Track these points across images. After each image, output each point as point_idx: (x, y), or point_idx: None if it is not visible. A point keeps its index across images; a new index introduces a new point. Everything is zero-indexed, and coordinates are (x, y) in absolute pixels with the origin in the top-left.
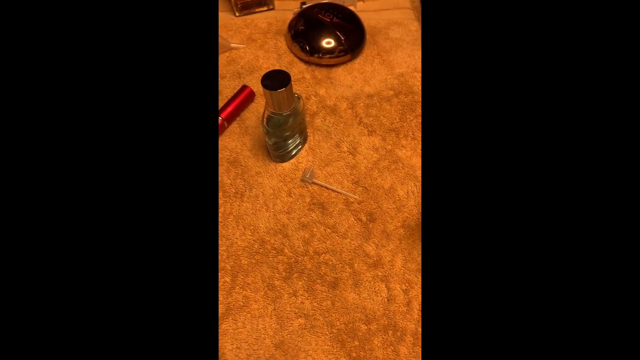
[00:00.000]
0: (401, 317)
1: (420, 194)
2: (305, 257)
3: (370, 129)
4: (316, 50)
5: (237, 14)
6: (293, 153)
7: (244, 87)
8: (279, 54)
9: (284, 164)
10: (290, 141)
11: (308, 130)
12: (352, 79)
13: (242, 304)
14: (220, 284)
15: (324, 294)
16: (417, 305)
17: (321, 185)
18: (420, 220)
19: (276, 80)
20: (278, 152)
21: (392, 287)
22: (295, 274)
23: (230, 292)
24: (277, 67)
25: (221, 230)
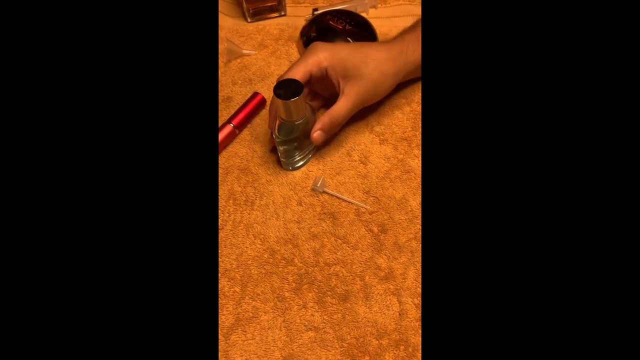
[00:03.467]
0: (413, 332)
1: None
2: (316, 268)
3: (381, 137)
4: None
5: (249, 20)
6: (302, 163)
7: (255, 94)
8: (290, 61)
9: (295, 173)
10: (298, 152)
11: None
12: None
13: (251, 314)
14: (229, 293)
15: (335, 306)
16: None
17: (332, 195)
18: None
19: (288, 89)
20: (288, 160)
21: (404, 301)
22: (306, 286)
23: (239, 303)
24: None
25: (231, 239)
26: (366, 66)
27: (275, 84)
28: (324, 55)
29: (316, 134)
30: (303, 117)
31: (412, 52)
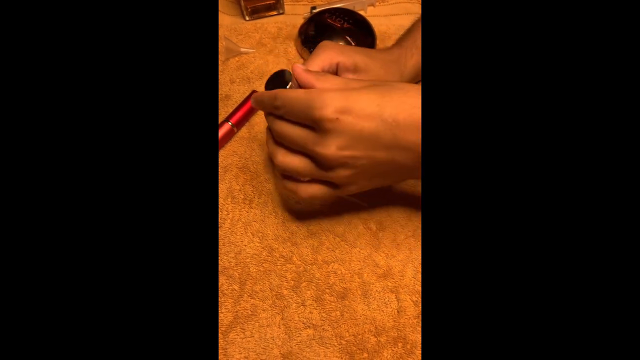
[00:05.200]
0: (411, 329)
1: None
2: (314, 266)
3: None
4: None
5: (247, 18)
6: None
7: (254, 92)
8: (288, 59)
9: None
10: None
11: None
12: None
13: (250, 312)
14: (228, 291)
15: (333, 304)
16: None
17: None
18: None
19: (277, 81)
20: None
21: (402, 298)
22: (304, 283)
23: (238, 301)
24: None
25: (230, 237)
26: (374, 63)
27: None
28: (334, 52)
29: None
30: None
31: (410, 57)
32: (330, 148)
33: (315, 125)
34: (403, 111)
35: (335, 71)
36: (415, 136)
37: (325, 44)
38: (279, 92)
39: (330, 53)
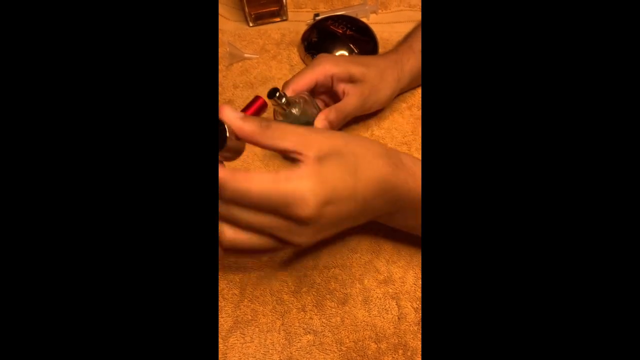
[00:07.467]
0: (412, 336)
1: None
2: (315, 271)
3: (382, 141)
4: None
5: (251, 24)
6: None
7: (257, 97)
8: (291, 65)
9: None
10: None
11: None
12: None
13: (250, 317)
14: (228, 296)
15: (334, 310)
16: None
17: None
18: None
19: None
20: None
21: (403, 305)
22: (305, 289)
23: (238, 305)
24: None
25: None
26: (369, 72)
27: (270, 89)
28: (329, 64)
29: (322, 124)
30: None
31: (407, 61)
32: (306, 236)
33: (291, 219)
34: (371, 189)
35: (331, 83)
36: (377, 203)
37: (321, 56)
38: (237, 185)
39: (324, 66)
